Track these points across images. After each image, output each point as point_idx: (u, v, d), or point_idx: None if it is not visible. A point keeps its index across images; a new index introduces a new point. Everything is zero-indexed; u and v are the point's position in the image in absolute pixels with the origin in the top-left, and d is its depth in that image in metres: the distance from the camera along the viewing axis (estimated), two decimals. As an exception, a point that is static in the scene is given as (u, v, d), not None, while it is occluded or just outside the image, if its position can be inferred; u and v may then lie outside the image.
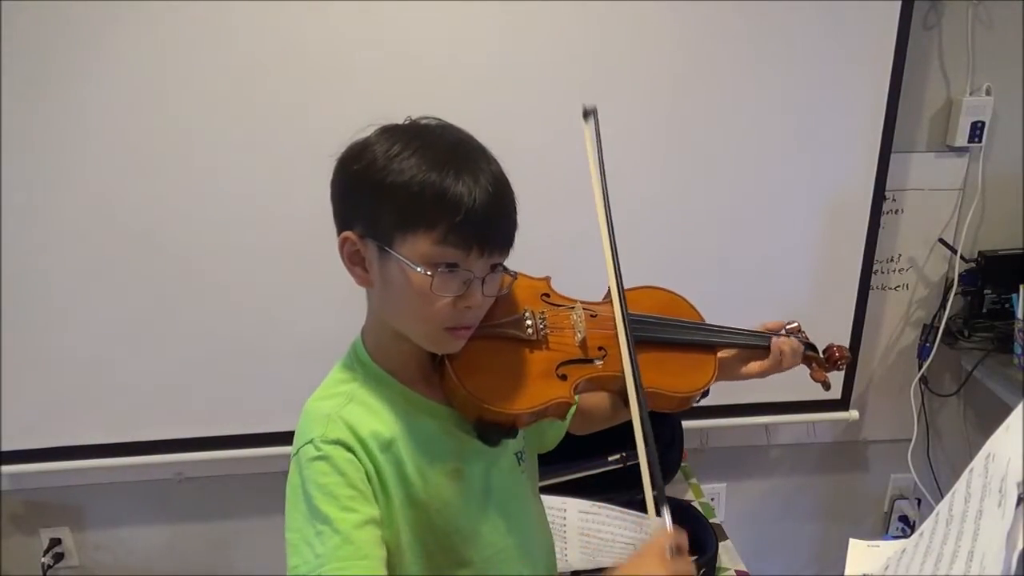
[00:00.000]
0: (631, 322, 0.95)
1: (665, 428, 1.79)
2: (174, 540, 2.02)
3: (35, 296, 1.65)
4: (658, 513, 0.82)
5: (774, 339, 1.09)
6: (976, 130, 1.79)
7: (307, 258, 1.60)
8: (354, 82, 1.56)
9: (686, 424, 1.83)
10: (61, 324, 1.68)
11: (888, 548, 0.89)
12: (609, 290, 0.98)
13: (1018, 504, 0.65)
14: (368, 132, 0.85)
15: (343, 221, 0.86)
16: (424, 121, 0.87)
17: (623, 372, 0.92)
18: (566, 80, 1.58)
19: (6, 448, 1.74)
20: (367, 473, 0.84)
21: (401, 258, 0.81)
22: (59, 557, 1.99)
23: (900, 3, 1.61)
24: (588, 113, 1.01)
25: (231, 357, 1.73)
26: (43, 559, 1.96)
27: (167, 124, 1.57)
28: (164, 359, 1.72)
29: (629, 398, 0.88)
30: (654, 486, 0.83)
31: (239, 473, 1.91)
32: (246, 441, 1.78)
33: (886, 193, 1.77)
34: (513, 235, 0.86)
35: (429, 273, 0.80)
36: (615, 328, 0.94)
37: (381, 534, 0.83)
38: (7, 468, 1.77)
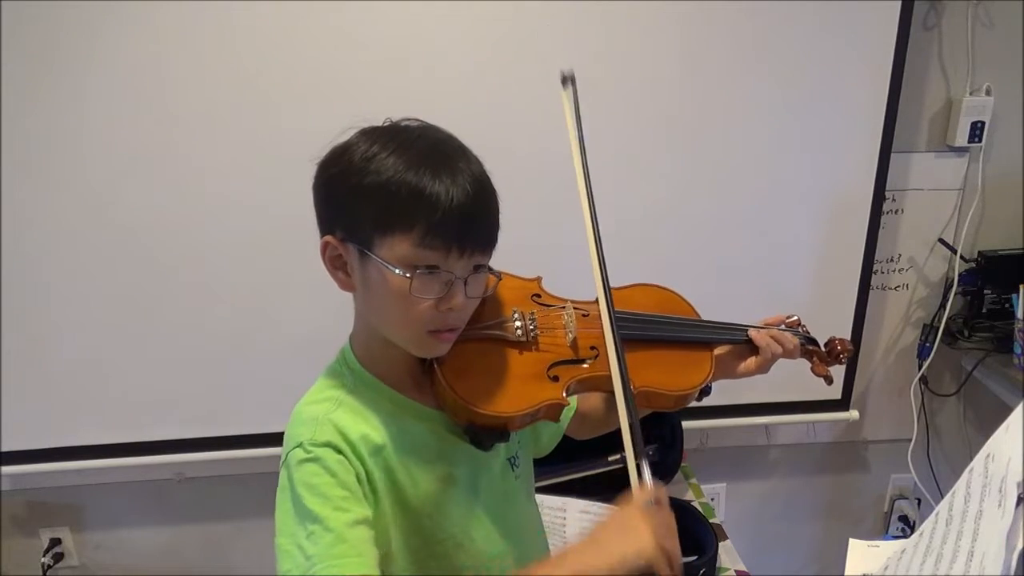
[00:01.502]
0: (624, 320, 0.95)
1: (665, 428, 1.79)
2: (174, 540, 2.02)
3: (35, 296, 1.65)
4: (638, 469, 0.81)
5: (751, 332, 1.08)
6: (976, 130, 1.79)
7: (307, 259, 1.59)
8: (353, 83, 1.56)
9: (686, 424, 1.83)
10: (61, 324, 1.68)
11: (888, 548, 0.89)
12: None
13: (1018, 504, 0.65)
14: (349, 135, 0.85)
15: (324, 225, 0.86)
16: (404, 122, 0.86)
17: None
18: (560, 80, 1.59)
19: (6, 448, 1.74)
20: (357, 476, 0.82)
21: (380, 261, 0.80)
22: (59, 557, 1.99)
23: (900, 3, 1.61)
24: (567, 79, 0.99)
25: (231, 357, 1.73)
26: (43, 559, 1.96)
27: (166, 125, 1.57)
28: (164, 359, 1.72)
29: (609, 358, 0.87)
30: (633, 441, 0.83)
31: (239, 473, 1.91)
32: (246, 441, 1.78)
33: (886, 193, 1.77)
34: (495, 235, 0.85)
35: (408, 275, 0.79)
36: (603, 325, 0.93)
37: (374, 535, 0.82)
38: (7, 468, 1.77)
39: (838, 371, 1.87)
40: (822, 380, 1.16)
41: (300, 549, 0.78)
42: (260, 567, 2.03)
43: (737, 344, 1.09)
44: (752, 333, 1.08)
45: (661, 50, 1.61)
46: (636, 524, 0.77)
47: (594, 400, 1.11)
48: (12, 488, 1.92)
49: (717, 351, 1.06)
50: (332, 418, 0.84)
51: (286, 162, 1.55)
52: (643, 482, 0.81)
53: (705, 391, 1.03)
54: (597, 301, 0.98)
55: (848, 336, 1.84)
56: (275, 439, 1.83)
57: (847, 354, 1.15)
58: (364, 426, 0.85)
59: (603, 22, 1.58)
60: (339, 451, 0.82)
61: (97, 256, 1.64)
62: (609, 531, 0.79)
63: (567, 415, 1.08)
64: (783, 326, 1.12)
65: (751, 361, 1.08)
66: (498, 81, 1.59)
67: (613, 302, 0.92)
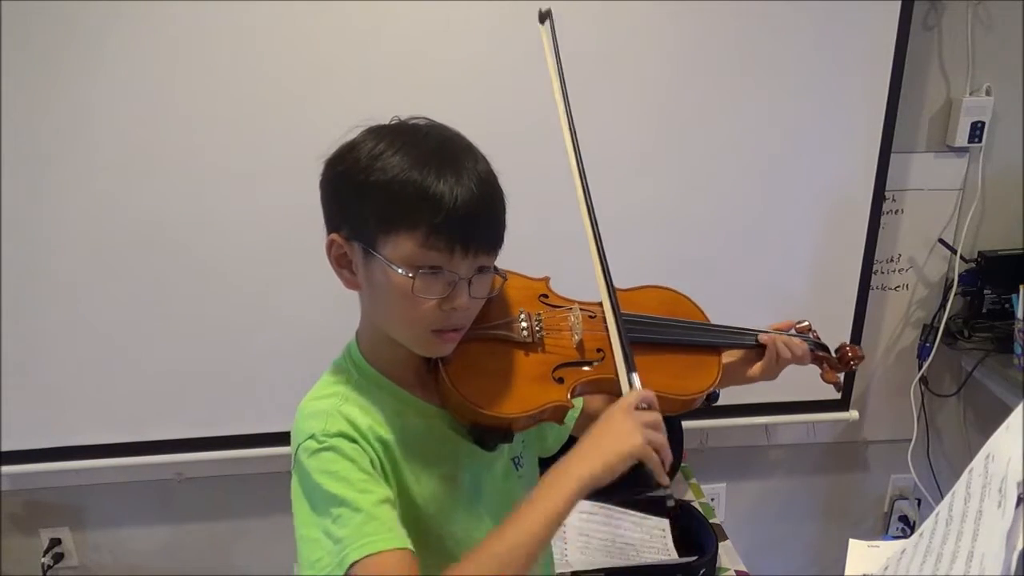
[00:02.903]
0: (630, 323, 0.95)
1: (665, 428, 1.79)
2: (174, 540, 2.02)
3: (35, 296, 1.65)
4: (628, 372, 0.86)
5: (762, 336, 1.07)
6: (976, 130, 1.79)
7: (309, 258, 1.59)
8: (360, 81, 1.56)
9: (686, 424, 1.83)
10: (61, 324, 1.67)
11: (888, 548, 0.89)
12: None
13: (1018, 504, 0.65)
14: (356, 133, 0.85)
15: (330, 223, 0.86)
16: (412, 121, 0.86)
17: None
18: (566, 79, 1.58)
19: (6, 448, 1.74)
20: (372, 462, 0.82)
21: (384, 260, 0.80)
22: (59, 557, 1.99)
23: (900, 3, 1.61)
24: (544, 16, 0.99)
25: (231, 357, 1.73)
26: (43, 559, 1.96)
27: (168, 122, 1.57)
28: (164, 359, 1.72)
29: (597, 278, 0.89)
30: (623, 351, 0.87)
31: (239, 473, 1.91)
32: (246, 441, 1.78)
33: (886, 193, 1.77)
34: (501, 236, 0.85)
35: (411, 275, 0.79)
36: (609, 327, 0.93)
37: (398, 515, 0.81)
38: (7, 468, 1.77)
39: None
40: (831, 386, 1.14)
41: (328, 535, 0.78)
42: (261, 567, 2.03)
43: (746, 349, 1.08)
44: (763, 337, 1.07)
45: (660, 50, 1.61)
46: (622, 422, 0.81)
47: (600, 401, 1.10)
48: (12, 488, 1.92)
49: (725, 356, 1.05)
50: (342, 410, 0.84)
51: (291, 160, 1.56)
52: (632, 387, 0.84)
53: (713, 397, 1.02)
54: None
55: (848, 335, 1.84)
56: (275, 439, 1.84)
57: (858, 361, 1.13)
58: (370, 421, 0.85)
59: (603, 22, 1.58)
60: (352, 440, 0.82)
61: (97, 256, 1.64)
62: (598, 434, 0.82)
63: (572, 416, 1.08)
64: (793, 331, 1.11)
65: (758, 366, 1.08)
66: (505, 80, 1.59)
67: (617, 298, 0.93)
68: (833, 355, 1.15)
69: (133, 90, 1.54)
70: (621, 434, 0.80)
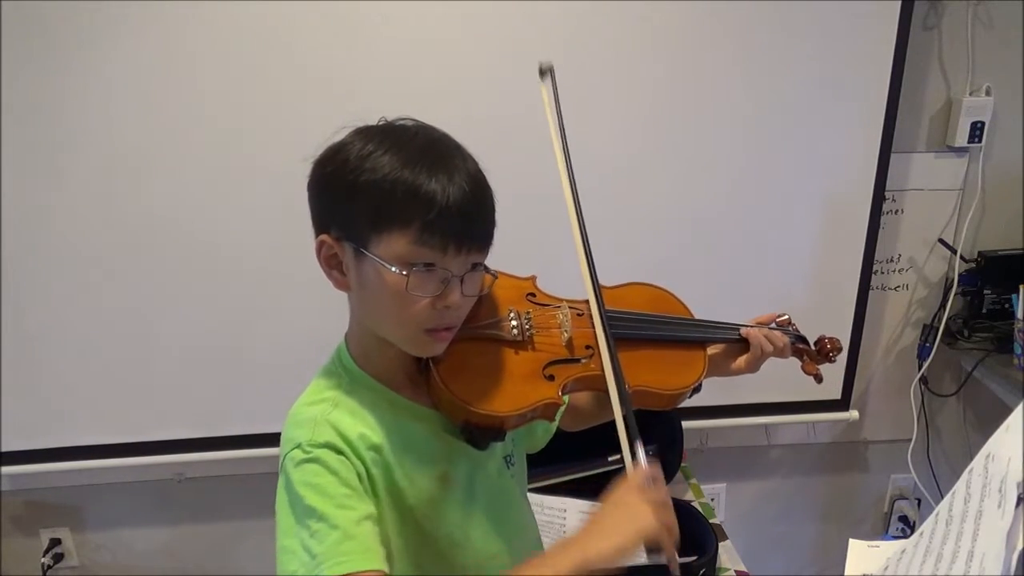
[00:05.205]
0: (617, 319, 0.95)
1: (665, 428, 1.79)
2: (174, 540, 2.02)
3: (35, 296, 1.65)
4: (631, 450, 0.83)
5: (744, 330, 1.08)
6: (976, 130, 1.79)
7: (309, 259, 1.60)
8: (349, 83, 1.56)
9: (686, 424, 1.83)
10: (61, 324, 1.68)
11: (888, 548, 0.89)
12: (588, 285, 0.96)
13: (1018, 504, 0.65)
14: (343, 134, 0.85)
15: (319, 224, 0.86)
16: (399, 121, 0.86)
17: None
18: (562, 78, 1.58)
19: (6, 448, 1.75)
20: (359, 475, 0.82)
21: (376, 259, 0.80)
22: (59, 557, 1.99)
23: (900, 3, 1.61)
24: (545, 72, 0.99)
25: (231, 357, 1.73)
26: (43, 559, 1.97)
27: (165, 123, 1.57)
28: (164, 359, 1.72)
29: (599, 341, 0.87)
30: (626, 422, 0.84)
31: (239, 473, 1.91)
32: (246, 441, 1.78)
33: (886, 193, 1.77)
34: (491, 233, 0.85)
35: (404, 273, 0.79)
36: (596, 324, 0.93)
37: (379, 532, 0.82)
38: (7, 468, 1.77)
39: (838, 371, 1.87)
40: (813, 379, 1.15)
41: (305, 548, 0.78)
42: (260, 567, 2.03)
43: (730, 343, 1.09)
44: (745, 332, 1.08)
45: (658, 49, 1.61)
46: (635, 503, 0.79)
47: (586, 393, 1.11)
48: (12, 488, 1.92)
49: (710, 350, 1.06)
50: (330, 419, 0.84)
51: (289, 161, 1.55)
52: (637, 462, 0.82)
53: (696, 388, 1.03)
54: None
55: (848, 335, 1.84)
56: (275, 439, 1.83)
57: (836, 352, 1.15)
58: (361, 426, 0.85)
59: (599, 21, 1.57)
60: (339, 451, 0.82)
61: (97, 256, 1.64)
62: (610, 514, 0.80)
63: (560, 410, 1.08)
64: (774, 324, 1.12)
65: (741, 360, 1.08)
66: (492, 80, 1.58)
67: (603, 299, 0.93)
68: (812, 347, 1.16)
69: (131, 91, 1.54)
70: (634, 515, 0.78)
